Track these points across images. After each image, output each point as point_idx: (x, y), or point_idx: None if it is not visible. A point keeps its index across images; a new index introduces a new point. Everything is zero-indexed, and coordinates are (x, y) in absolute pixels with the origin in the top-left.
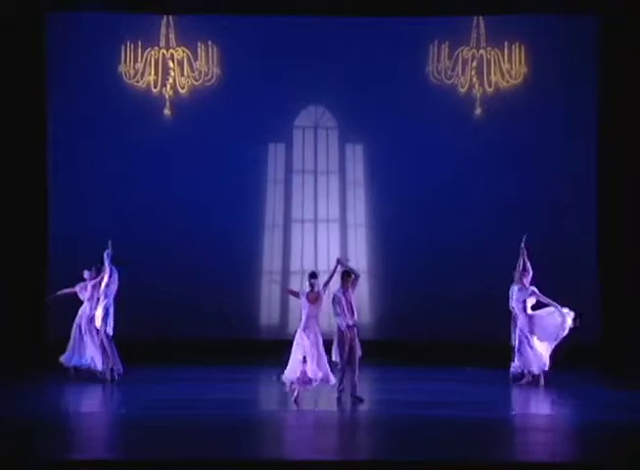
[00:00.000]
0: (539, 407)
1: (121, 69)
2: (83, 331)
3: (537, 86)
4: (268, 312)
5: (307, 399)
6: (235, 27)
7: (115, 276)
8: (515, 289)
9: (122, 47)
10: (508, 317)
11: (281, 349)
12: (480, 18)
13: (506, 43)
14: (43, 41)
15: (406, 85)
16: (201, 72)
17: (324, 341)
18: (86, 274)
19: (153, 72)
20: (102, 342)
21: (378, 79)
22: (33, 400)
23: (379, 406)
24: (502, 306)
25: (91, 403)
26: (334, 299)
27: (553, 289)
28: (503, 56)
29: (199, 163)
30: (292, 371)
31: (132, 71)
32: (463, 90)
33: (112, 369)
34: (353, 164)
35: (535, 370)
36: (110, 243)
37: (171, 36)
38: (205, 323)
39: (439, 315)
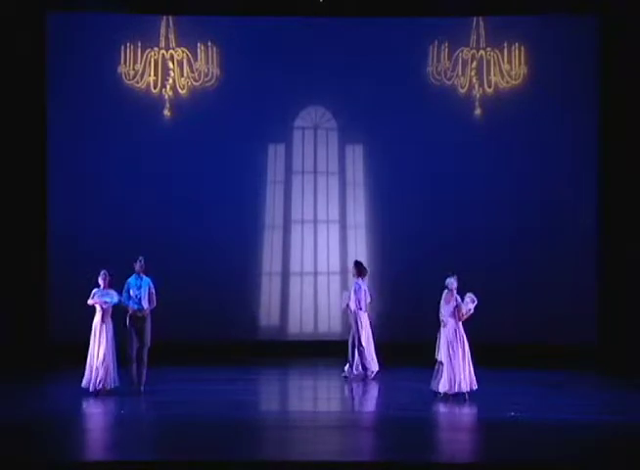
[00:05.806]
0: None
1: (121, 69)
2: None
3: (537, 86)
4: (268, 313)
5: (307, 400)
6: (235, 28)
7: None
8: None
9: (122, 48)
10: (511, 317)
11: (280, 349)
12: (480, 18)
13: (506, 44)
14: (43, 41)
15: (406, 86)
16: (200, 73)
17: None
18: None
19: (152, 73)
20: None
21: (378, 80)
22: (34, 401)
23: (382, 408)
24: (504, 306)
25: (91, 405)
26: None
27: (550, 288)
28: (503, 56)
29: (198, 163)
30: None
31: (132, 72)
32: (463, 91)
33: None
34: (353, 164)
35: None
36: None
37: (171, 37)
38: (205, 324)
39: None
